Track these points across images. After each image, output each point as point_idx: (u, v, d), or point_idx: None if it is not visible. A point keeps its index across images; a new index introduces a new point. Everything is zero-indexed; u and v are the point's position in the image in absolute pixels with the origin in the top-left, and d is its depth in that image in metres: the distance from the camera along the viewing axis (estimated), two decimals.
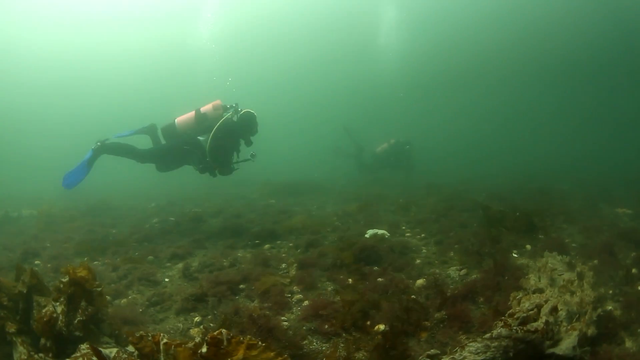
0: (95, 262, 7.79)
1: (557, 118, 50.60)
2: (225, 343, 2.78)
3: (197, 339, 2.93)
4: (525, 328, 3.06)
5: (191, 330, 4.92)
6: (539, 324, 3.11)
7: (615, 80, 41.21)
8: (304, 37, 53.04)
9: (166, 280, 6.74)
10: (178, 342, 2.95)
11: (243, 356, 2.76)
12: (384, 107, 57.23)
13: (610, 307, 4.78)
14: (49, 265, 7.62)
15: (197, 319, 5.19)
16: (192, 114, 9.64)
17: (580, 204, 11.67)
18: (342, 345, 4.41)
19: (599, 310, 3.89)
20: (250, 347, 2.80)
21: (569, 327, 3.40)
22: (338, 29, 49.40)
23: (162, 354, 2.91)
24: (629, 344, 4.11)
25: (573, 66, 41.07)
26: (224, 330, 2.83)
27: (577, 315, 3.55)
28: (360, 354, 4.23)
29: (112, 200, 16.31)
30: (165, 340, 2.94)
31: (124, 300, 5.85)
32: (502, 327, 3.07)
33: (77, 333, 3.85)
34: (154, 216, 12.84)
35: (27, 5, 46.22)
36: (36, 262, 7.99)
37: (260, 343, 2.82)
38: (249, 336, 2.90)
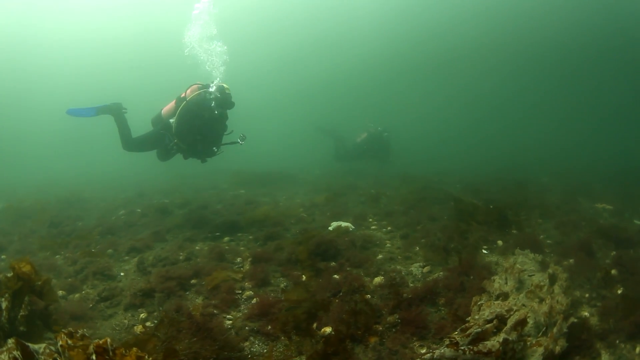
0: (57, 256, 7.52)
1: (540, 111, 50.51)
2: (110, 354, 2.63)
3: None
4: (476, 348, 2.45)
5: (135, 327, 4.71)
6: (494, 343, 2.51)
7: (601, 74, 41.16)
8: (281, 24, 52.25)
9: (122, 274, 6.54)
10: (81, 344, 2.83)
11: None
12: (364, 96, 56.89)
13: (585, 314, 4.26)
14: (12, 260, 7.17)
15: (143, 315, 5.02)
16: (174, 101, 9.51)
17: (558, 198, 11.22)
18: (283, 349, 4.05)
19: (572, 319, 3.31)
20: (139, 359, 2.67)
21: (533, 342, 2.80)
22: (318, 16, 48.74)
23: (62, 355, 2.84)
24: (605, 357, 3.56)
25: (558, 59, 40.94)
26: (109, 340, 2.69)
27: (545, 328, 2.96)
28: (301, 359, 3.86)
29: (83, 193, 15.96)
30: (61, 343, 2.87)
31: (77, 295, 5.68)
32: (447, 345, 2.45)
33: (21, 328, 3.95)
34: (121, 208, 12.44)
35: None
36: (2, 256, 7.74)
37: (147, 357, 2.65)
38: (135, 348, 2.71)
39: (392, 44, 48.02)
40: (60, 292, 5.56)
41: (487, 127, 49.89)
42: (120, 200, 14.29)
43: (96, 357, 2.64)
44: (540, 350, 2.74)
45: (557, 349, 2.89)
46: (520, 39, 40.29)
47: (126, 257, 7.34)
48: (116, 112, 10.14)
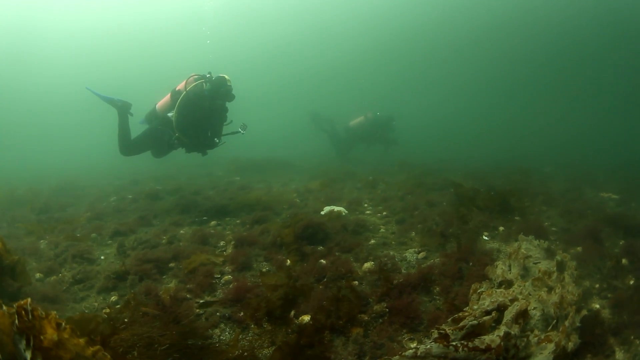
0: (41, 241, 7.29)
1: (543, 102, 50.10)
2: (30, 316, 2.35)
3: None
4: (471, 344, 1.99)
5: (104, 311, 4.41)
6: (494, 337, 2.06)
7: (605, 64, 40.82)
8: (282, 9, 51.81)
9: (102, 257, 6.35)
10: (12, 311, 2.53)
11: (57, 337, 2.35)
12: (368, 84, 56.70)
13: (597, 306, 3.81)
14: None
15: (114, 298, 4.88)
16: (169, 94, 9.22)
17: (562, 186, 10.80)
18: (252, 338, 3.72)
19: (584, 311, 2.87)
20: (58, 326, 2.40)
21: (542, 338, 2.35)
22: (322, 2, 48.34)
23: None
24: (619, 355, 3.13)
25: (563, 49, 40.64)
26: (29, 300, 2.35)
27: (555, 321, 2.51)
28: (271, 350, 3.46)
29: (78, 181, 15.73)
30: None
31: (53, 278, 5.51)
32: (435, 340, 2.00)
33: None
34: (113, 194, 12.18)
35: None
36: None
37: (64, 325, 2.38)
38: (54, 312, 2.39)
39: (397, 32, 47.74)
40: (37, 275, 5.47)
41: (490, 119, 49.51)
42: (113, 187, 14.04)
43: (18, 318, 2.36)
44: (551, 347, 2.29)
45: (570, 345, 2.44)
46: (525, 30, 40.01)
47: (109, 241, 7.11)
48: (122, 110, 9.80)
